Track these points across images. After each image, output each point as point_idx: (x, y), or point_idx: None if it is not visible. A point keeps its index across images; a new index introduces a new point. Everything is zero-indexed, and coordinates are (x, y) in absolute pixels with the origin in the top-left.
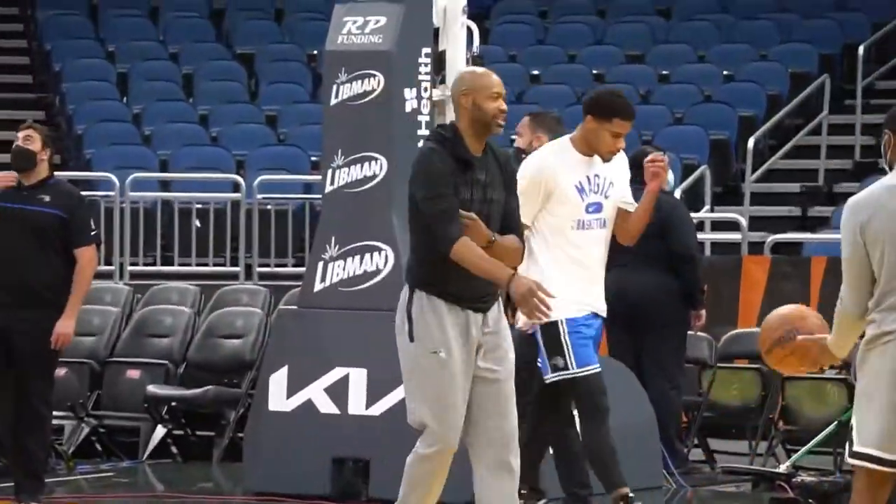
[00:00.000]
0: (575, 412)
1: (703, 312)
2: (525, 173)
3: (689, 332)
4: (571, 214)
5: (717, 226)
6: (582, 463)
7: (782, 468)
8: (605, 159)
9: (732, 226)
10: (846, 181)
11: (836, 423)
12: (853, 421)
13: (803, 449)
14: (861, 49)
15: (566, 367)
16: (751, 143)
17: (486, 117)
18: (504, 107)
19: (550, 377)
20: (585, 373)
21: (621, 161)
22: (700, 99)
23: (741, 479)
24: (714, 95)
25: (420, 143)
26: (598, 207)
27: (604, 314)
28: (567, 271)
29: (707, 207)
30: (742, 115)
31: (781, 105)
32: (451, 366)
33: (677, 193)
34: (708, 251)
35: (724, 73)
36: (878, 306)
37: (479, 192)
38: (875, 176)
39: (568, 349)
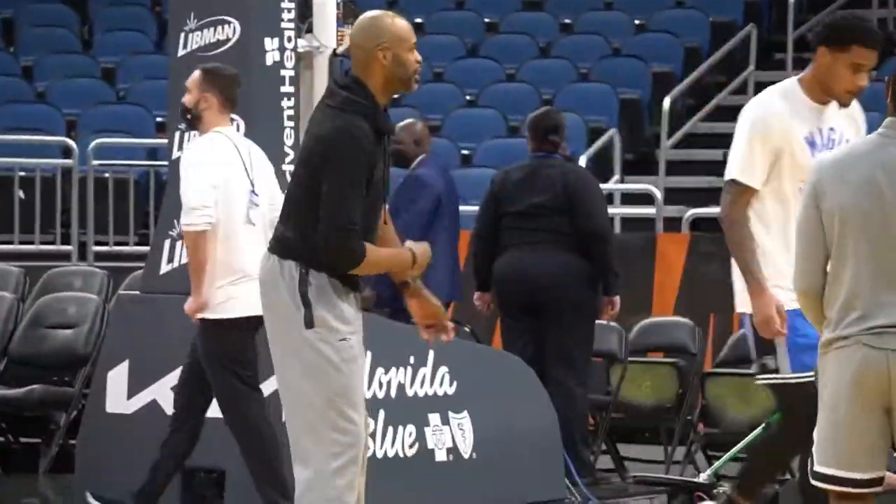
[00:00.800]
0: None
1: (617, 299)
2: (747, 124)
3: (598, 322)
4: (800, 178)
5: (629, 198)
6: None
7: (702, 477)
8: (843, 103)
9: (646, 198)
10: None
11: (763, 425)
12: (815, 435)
13: (726, 455)
14: None
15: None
16: (666, 103)
17: (406, 73)
18: (420, 58)
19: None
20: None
21: (858, 114)
22: (608, 52)
23: (655, 489)
24: (624, 48)
25: (285, 103)
26: None
27: None
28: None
29: (617, 177)
30: (656, 70)
31: (701, 60)
32: (359, 356)
33: (582, 161)
34: (618, 228)
35: (636, 21)
36: (832, 303)
37: (383, 168)
38: None
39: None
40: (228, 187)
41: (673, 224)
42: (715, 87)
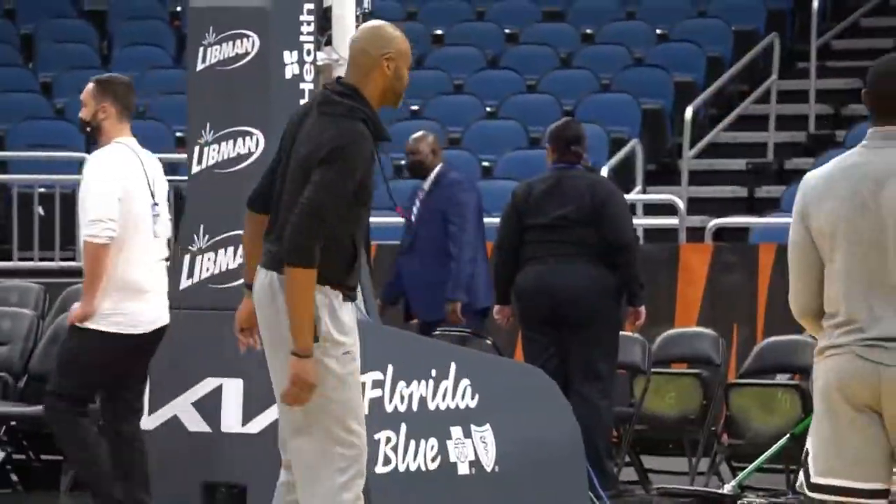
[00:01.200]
0: None
1: (643, 310)
2: None
3: (622, 333)
4: None
5: (651, 209)
6: None
7: (727, 488)
8: None
9: (668, 209)
10: (798, 156)
11: (787, 435)
12: (808, 445)
13: (751, 466)
14: (815, 3)
15: None
16: (689, 112)
17: (401, 88)
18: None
19: None
20: None
21: None
22: (630, 62)
23: (679, 501)
24: (646, 58)
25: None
26: None
27: None
28: None
29: (639, 188)
30: (678, 80)
31: (724, 69)
32: (359, 368)
33: (604, 172)
34: (641, 238)
35: (658, 31)
36: (828, 318)
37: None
38: (833, 151)
39: None
40: (131, 200)
41: (696, 234)
42: (737, 97)
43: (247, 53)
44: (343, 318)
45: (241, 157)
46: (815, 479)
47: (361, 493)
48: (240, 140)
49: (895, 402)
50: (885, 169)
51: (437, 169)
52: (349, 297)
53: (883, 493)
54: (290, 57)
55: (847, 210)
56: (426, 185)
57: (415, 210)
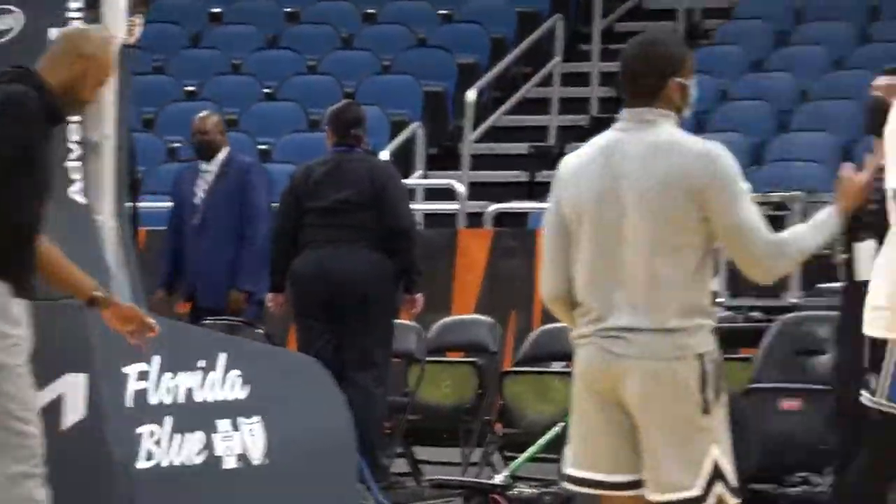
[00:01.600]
0: None
1: (420, 297)
2: None
3: (399, 321)
4: None
5: (431, 194)
6: None
7: (498, 479)
8: None
9: (449, 194)
10: (581, 140)
11: (560, 424)
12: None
13: (523, 456)
14: None
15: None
16: (471, 95)
17: (84, 97)
18: None
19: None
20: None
21: None
22: (412, 43)
23: (452, 492)
24: (429, 39)
25: None
26: None
27: None
28: None
29: (419, 172)
30: (461, 62)
31: (507, 51)
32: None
33: (384, 155)
34: (420, 224)
35: (441, 12)
36: (577, 304)
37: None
38: None
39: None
40: None
41: (475, 219)
42: (521, 79)
43: (10, 30)
44: (12, 309)
45: None
46: (568, 471)
47: (41, 481)
48: None
49: (634, 392)
50: (631, 153)
51: (224, 151)
52: (20, 288)
53: (632, 485)
54: (56, 34)
55: (592, 195)
56: (212, 166)
57: (200, 193)
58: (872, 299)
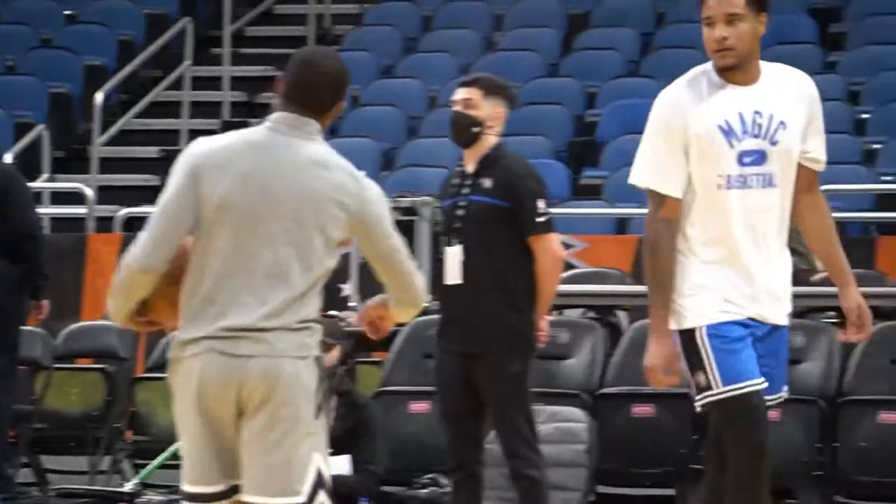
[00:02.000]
0: None
1: (47, 302)
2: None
3: (25, 328)
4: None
5: (59, 198)
6: None
7: (127, 486)
8: (720, 67)
9: (77, 198)
10: None
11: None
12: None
13: (153, 463)
14: None
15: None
16: (99, 98)
17: None
18: None
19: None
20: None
21: (800, 88)
22: (36, 43)
23: (79, 502)
24: (54, 40)
25: None
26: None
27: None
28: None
29: (46, 175)
30: (88, 64)
31: (135, 53)
32: None
33: (8, 158)
34: (47, 228)
35: (66, 12)
36: (192, 295)
37: None
38: None
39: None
40: None
41: (105, 224)
42: (150, 82)
43: None
44: None
45: None
46: (182, 487)
47: None
48: None
49: (256, 393)
50: (287, 160)
51: None
52: None
53: (233, 490)
54: None
55: (240, 189)
56: None
57: None
58: None
